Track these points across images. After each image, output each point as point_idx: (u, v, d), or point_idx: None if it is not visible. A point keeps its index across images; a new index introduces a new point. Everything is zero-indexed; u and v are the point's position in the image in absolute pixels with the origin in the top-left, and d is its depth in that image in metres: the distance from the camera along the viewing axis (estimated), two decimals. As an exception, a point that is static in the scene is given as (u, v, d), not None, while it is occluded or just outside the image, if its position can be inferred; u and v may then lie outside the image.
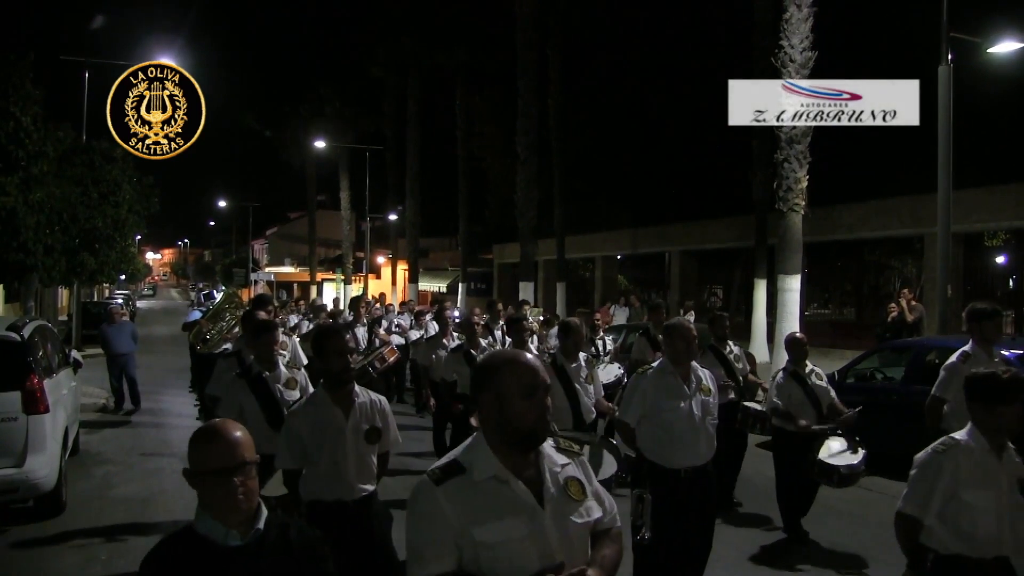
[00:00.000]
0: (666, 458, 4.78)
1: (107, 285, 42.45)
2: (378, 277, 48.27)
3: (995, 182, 18.42)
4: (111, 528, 7.14)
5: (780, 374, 6.87)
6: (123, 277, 32.50)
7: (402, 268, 41.02)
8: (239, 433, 2.32)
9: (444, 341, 8.96)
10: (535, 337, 11.50)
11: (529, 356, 2.30)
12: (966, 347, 5.82)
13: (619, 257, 34.44)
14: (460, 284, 35.95)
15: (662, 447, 4.80)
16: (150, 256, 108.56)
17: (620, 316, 20.61)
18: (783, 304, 15.41)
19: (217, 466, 2.25)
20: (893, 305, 15.98)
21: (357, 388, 4.18)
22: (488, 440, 2.24)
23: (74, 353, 10.39)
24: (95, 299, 37.63)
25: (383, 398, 4.27)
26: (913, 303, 15.34)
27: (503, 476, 2.19)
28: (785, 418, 6.63)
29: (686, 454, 4.78)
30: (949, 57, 12.45)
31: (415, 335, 13.08)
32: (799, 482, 6.56)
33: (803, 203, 15.34)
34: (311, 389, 5.22)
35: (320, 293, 44.66)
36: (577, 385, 6.17)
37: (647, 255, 32.61)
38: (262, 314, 6.52)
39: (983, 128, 20.38)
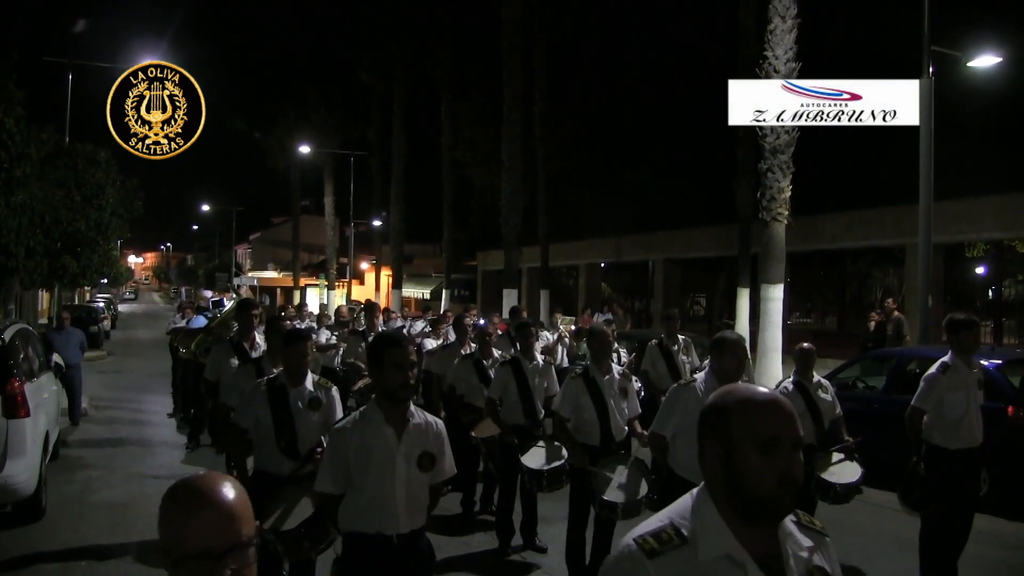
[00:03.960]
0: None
1: (88, 289, 42.13)
2: (362, 283, 48.17)
3: (975, 194, 18.64)
4: (91, 534, 7.08)
5: (786, 384, 6.73)
6: (105, 281, 32.29)
7: (386, 274, 40.96)
8: (233, 495, 1.60)
9: (463, 350, 8.48)
10: (564, 349, 11.22)
11: (772, 395, 1.74)
12: (945, 358, 5.85)
13: (603, 265, 34.54)
14: (444, 291, 35.91)
15: (699, 465, 4.54)
16: (132, 260, 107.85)
17: (603, 324, 20.60)
18: (766, 313, 15.48)
19: (202, 547, 1.54)
20: (874, 314, 16.13)
21: (412, 407, 3.68)
22: (716, 503, 1.72)
23: (55, 357, 10.31)
24: (76, 302, 37.35)
25: (440, 421, 3.79)
26: (896, 313, 15.49)
27: (739, 557, 1.66)
28: None
29: None
30: (931, 70, 12.59)
31: (430, 344, 12.49)
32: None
33: (786, 213, 15.43)
34: (338, 410, 4.87)
35: (303, 298, 44.48)
36: (609, 400, 5.78)
37: (631, 263, 32.71)
38: (287, 322, 6.34)
39: (963, 140, 20.60)
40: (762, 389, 1.78)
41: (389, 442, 3.55)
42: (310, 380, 4.85)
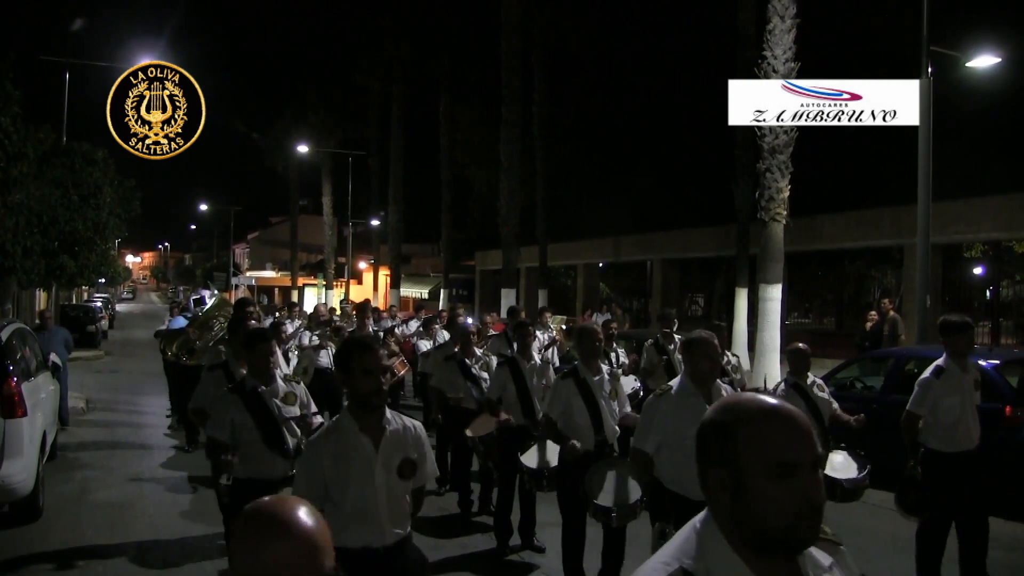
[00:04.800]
0: (691, 489, 4.23)
1: (86, 288, 42.09)
2: (360, 283, 48.15)
3: (974, 194, 18.66)
4: (89, 534, 7.07)
5: (782, 386, 6.59)
6: (102, 280, 32.27)
7: (384, 274, 40.96)
8: (314, 523, 1.46)
9: (455, 350, 8.31)
10: (555, 349, 11.16)
11: (784, 407, 1.51)
12: (939, 361, 5.82)
13: (601, 265, 34.53)
14: (442, 291, 35.91)
15: (685, 477, 4.31)
16: (130, 259, 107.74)
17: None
18: (764, 313, 15.48)
19: None
20: (871, 314, 16.15)
21: (388, 413, 3.50)
22: (725, 536, 1.50)
23: (53, 356, 10.26)
24: (74, 302, 37.31)
25: (418, 424, 3.62)
26: (892, 313, 15.51)
27: None
28: None
29: None
30: (929, 70, 12.59)
31: (425, 345, 12.33)
32: None
33: (785, 213, 15.43)
34: (313, 405, 4.91)
35: (301, 298, 44.46)
36: (600, 400, 5.63)
37: (629, 263, 32.71)
38: (253, 321, 6.28)
39: (962, 141, 20.63)
40: (770, 401, 1.53)
41: (366, 452, 3.38)
42: (279, 377, 4.82)
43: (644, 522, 5.17)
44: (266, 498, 1.52)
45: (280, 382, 4.79)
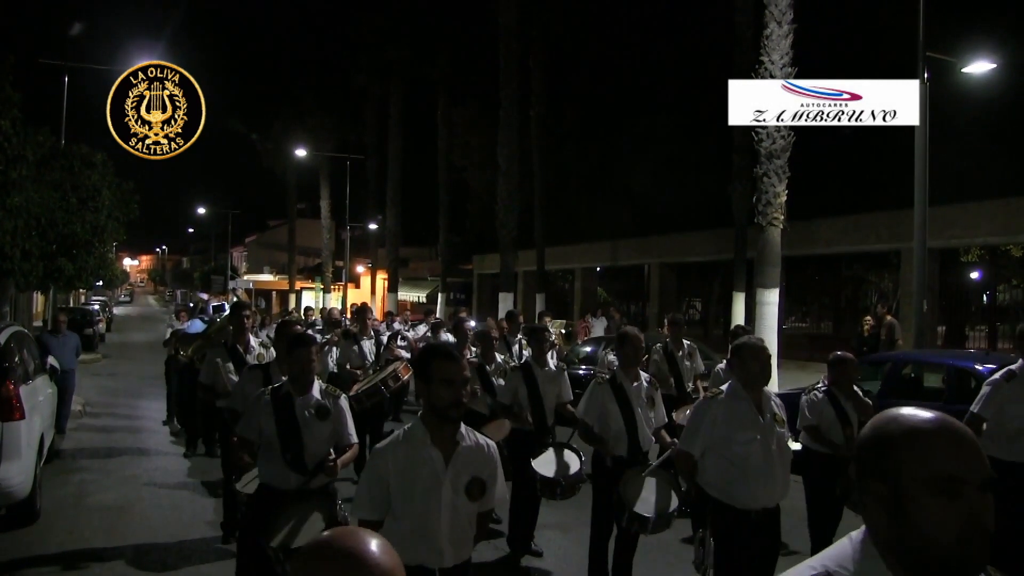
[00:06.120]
0: (736, 497, 4.33)
1: (83, 291, 42.05)
2: (357, 286, 48.16)
3: (970, 199, 18.72)
4: (86, 537, 7.07)
5: (820, 391, 6.18)
6: (100, 283, 32.27)
7: (381, 277, 40.96)
8: (390, 559, 1.31)
9: (467, 355, 8.09)
10: (554, 352, 11.16)
11: (948, 421, 1.43)
12: (1013, 366, 5.67)
13: (599, 269, 34.56)
14: (439, 294, 35.92)
15: (732, 484, 4.35)
16: (127, 262, 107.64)
17: (599, 328, 20.78)
18: (761, 317, 15.50)
19: None
20: (868, 318, 16.19)
21: (463, 428, 3.27)
22: (882, 555, 1.41)
23: (51, 359, 10.26)
24: (71, 305, 37.27)
25: (493, 443, 3.38)
26: (888, 318, 15.53)
27: None
28: (817, 438, 5.96)
29: (760, 493, 4.31)
30: (926, 75, 12.64)
31: None
32: (829, 506, 5.93)
33: (782, 217, 15.46)
34: (349, 420, 4.66)
35: (299, 301, 44.45)
36: (637, 408, 5.52)
37: (627, 267, 32.75)
38: (298, 327, 6.04)
39: (958, 145, 20.70)
40: (935, 413, 1.44)
41: (435, 466, 3.16)
42: (317, 388, 4.59)
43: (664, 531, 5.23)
44: (335, 530, 1.38)
45: (317, 394, 4.58)
